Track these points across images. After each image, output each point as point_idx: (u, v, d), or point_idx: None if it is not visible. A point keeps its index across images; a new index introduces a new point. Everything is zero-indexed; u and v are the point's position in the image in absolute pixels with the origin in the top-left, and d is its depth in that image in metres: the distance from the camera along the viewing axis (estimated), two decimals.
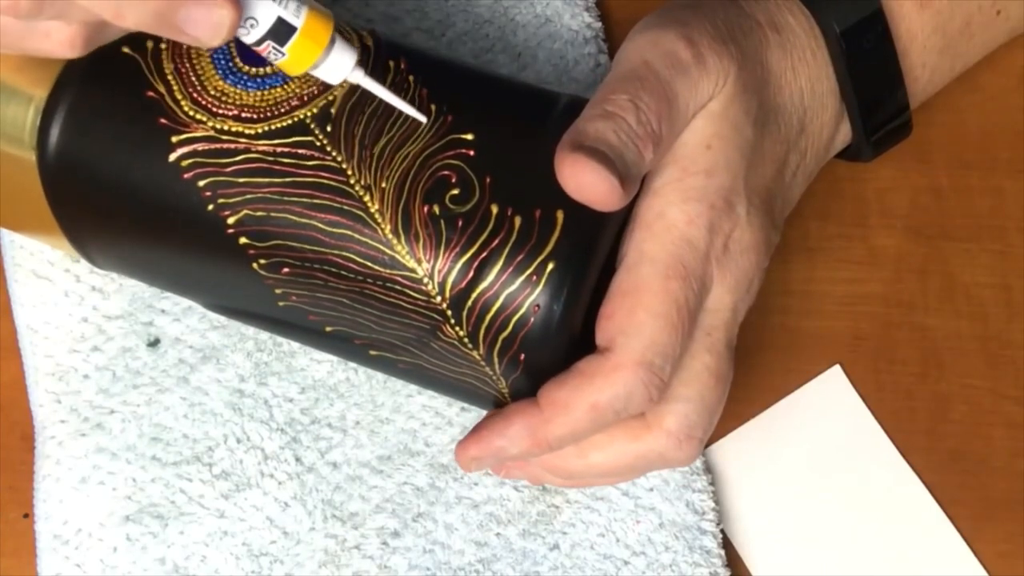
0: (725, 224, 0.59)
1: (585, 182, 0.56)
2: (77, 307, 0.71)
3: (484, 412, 0.64)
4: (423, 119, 0.59)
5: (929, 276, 0.73)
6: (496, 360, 0.60)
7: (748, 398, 0.71)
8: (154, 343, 0.71)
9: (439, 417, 0.70)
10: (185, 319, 0.71)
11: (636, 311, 0.58)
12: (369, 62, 0.60)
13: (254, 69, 0.59)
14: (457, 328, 0.59)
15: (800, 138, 0.64)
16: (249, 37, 0.55)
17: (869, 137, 0.67)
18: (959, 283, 0.73)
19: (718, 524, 0.69)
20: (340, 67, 0.57)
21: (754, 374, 0.72)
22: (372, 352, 0.64)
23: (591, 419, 0.59)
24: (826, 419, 0.71)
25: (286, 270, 0.60)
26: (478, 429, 0.61)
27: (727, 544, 0.69)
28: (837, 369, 0.72)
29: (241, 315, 0.67)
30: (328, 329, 0.63)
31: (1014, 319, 0.72)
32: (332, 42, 0.56)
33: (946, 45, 0.68)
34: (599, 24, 0.75)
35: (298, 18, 0.55)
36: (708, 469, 0.70)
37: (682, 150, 0.60)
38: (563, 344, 0.59)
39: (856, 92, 0.65)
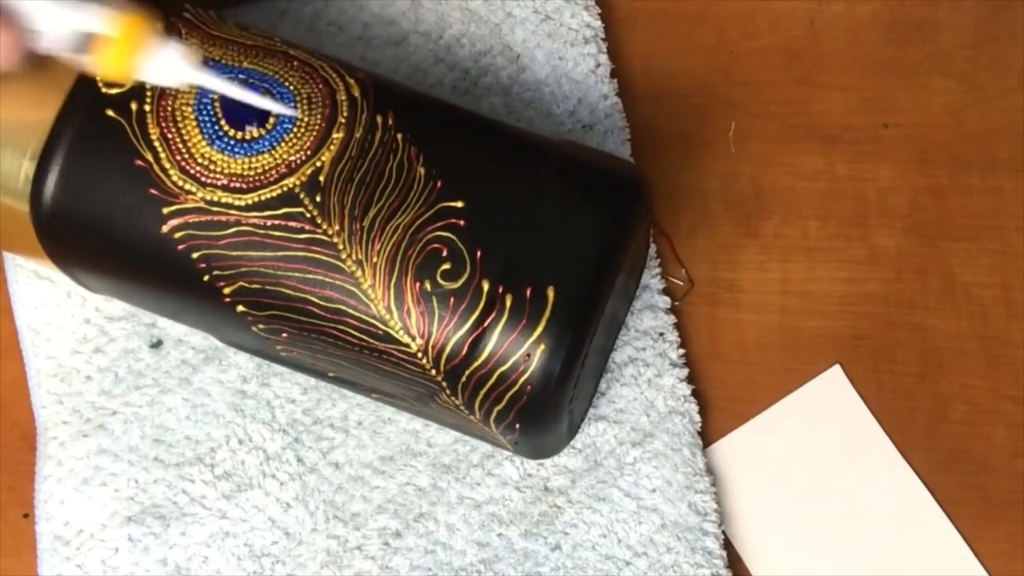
0: None
1: None
2: (79, 308, 0.71)
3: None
4: (293, 113, 0.58)
5: (929, 276, 0.73)
6: (493, 425, 0.60)
7: (748, 398, 0.71)
8: (156, 344, 0.71)
9: None
10: None
11: None
12: (357, 116, 0.59)
13: (240, 133, 0.58)
14: (453, 398, 0.59)
15: None
16: (49, 48, 0.52)
17: None
18: (959, 283, 0.73)
19: (720, 525, 0.69)
20: (168, 69, 0.55)
21: (754, 374, 0.72)
22: (375, 396, 0.65)
23: None
24: (826, 419, 0.71)
25: (285, 335, 0.60)
26: None
27: (727, 545, 0.70)
28: (837, 369, 0.72)
29: (245, 351, 0.68)
30: (331, 374, 0.64)
31: (1014, 319, 0.72)
32: (155, 44, 0.54)
33: None
34: (599, 23, 0.75)
35: (100, 23, 0.52)
36: (710, 470, 0.70)
37: None
38: (557, 411, 0.60)
39: None
